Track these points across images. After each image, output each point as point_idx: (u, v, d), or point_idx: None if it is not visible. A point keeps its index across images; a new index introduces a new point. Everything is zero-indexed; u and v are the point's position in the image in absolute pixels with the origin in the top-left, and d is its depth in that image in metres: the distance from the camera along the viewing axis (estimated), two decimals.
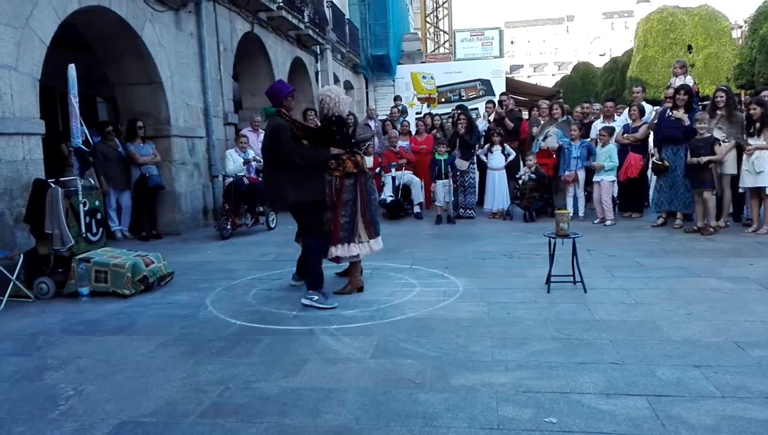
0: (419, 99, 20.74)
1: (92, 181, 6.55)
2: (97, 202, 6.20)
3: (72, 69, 5.89)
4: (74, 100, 5.89)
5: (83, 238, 5.88)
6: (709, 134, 7.58)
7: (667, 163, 8.09)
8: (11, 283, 5.38)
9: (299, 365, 3.72)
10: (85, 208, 5.93)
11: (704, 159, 7.40)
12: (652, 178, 9.14)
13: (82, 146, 6.00)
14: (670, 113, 8.20)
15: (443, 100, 21.34)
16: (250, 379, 3.55)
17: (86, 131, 6.07)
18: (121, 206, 8.97)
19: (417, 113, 14.19)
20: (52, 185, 5.77)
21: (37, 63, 6.48)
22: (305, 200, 5.14)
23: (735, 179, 7.78)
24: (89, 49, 8.91)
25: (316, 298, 5.01)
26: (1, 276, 5.33)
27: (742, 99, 10.61)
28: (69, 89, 5.87)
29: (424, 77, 21.21)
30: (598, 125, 9.51)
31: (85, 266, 5.61)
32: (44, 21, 6.58)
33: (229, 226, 8.74)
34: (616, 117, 9.72)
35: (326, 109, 5.25)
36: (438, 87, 21.57)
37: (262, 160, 9.67)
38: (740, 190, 7.76)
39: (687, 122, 7.94)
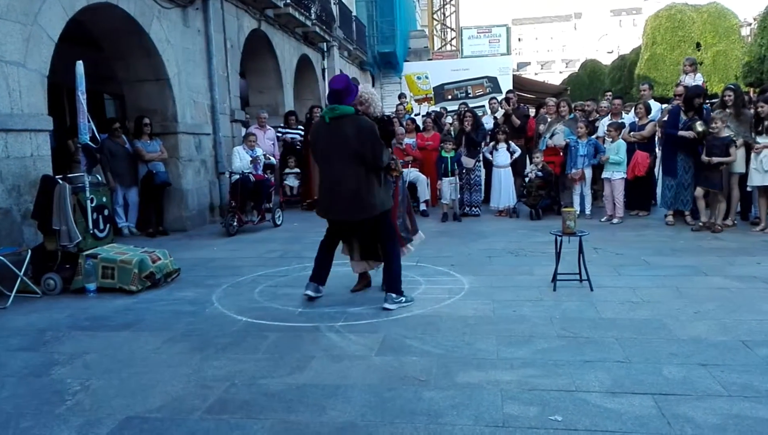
0: (416, 100, 20.72)
1: (99, 178, 6.57)
2: (104, 199, 6.23)
3: (80, 65, 5.91)
4: (82, 97, 5.90)
5: (90, 235, 5.91)
6: (726, 134, 7.51)
7: (705, 128, 7.67)
8: (19, 279, 5.40)
9: (305, 362, 3.73)
10: (93, 205, 5.95)
11: (715, 160, 7.35)
12: (659, 176, 9.10)
13: (89, 142, 6.02)
14: (689, 121, 7.98)
15: (449, 97, 21.32)
16: (255, 375, 3.56)
17: (93, 127, 6.09)
18: (128, 203, 9.00)
19: (416, 114, 14.15)
20: (60, 181, 5.79)
21: (46, 60, 6.51)
22: (388, 208, 4.94)
23: (743, 178, 7.73)
24: (97, 45, 8.94)
25: (404, 299, 4.91)
26: (9, 272, 5.36)
27: (751, 97, 10.52)
28: (76, 86, 5.89)
29: (418, 78, 21.20)
30: (605, 123, 9.46)
31: (92, 262, 5.64)
32: (52, 18, 6.60)
33: (235, 223, 8.75)
34: (623, 114, 9.67)
35: (373, 108, 5.01)
36: (443, 84, 21.53)
37: (272, 159, 9.75)
38: (748, 189, 7.72)
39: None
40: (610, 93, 13.45)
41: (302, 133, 11.79)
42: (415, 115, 14.15)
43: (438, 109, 13.44)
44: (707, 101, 9.71)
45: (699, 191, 7.73)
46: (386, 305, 4.81)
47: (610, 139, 8.78)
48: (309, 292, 5.09)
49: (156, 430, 2.94)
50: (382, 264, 5.09)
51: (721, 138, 7.47)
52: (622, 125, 9.09)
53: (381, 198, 4.83)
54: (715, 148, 7.43)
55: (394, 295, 4.87)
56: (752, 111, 7.80)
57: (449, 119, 11.90)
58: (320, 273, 5.15)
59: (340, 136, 4.73)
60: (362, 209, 4.78)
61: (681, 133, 7.86)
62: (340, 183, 4.78)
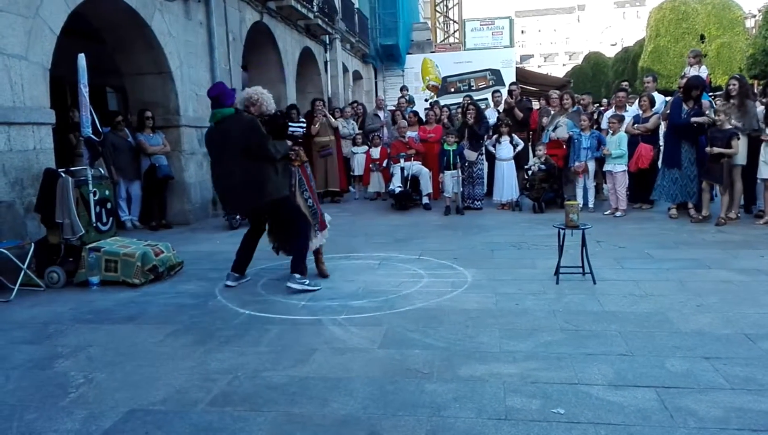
0: (428, 86, 20.67)
1: (102, 171, 6.58)
2: (107, 192, 6.23)
3: (82, 58, 5.90)
4: (84, 90, 5.90)
5: (93, 228, 5.91)
6: (729, 126, 7.48)
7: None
8: (22, 272, 5.42)
9: (308, 355, 3.74)
10: (96, 198, 5.96)
11: (716, 150, 7.33)
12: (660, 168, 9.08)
13: (92, 136, 6.02)
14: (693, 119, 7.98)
15: (452, 90, 21.25)
16: (258, 368, 3.56)
17: (96, 120, 6.09)
18: (131, 196, 9.01)
19: (425, 100, 14.10)
20: (63, 175, 5.80)
21: (48, 52, 6.50)
22: (284, 195, 5.27)
23: (745, 170, 7.70)
24: (99, 38, 8.93)
25: (307, 281, 5.23)
26: (12, 265, 5.37)
27: (755, 89, 10.48)
28: (79, 79, 5.89)
29: (437, 66, 21.27)
30: (609, 115, 9.43)
31: (95, 255, 5.64)
32: (54, 10, 6.59)
33: (238, 216, 8.75)
34: (627, 107, 9.64)
35: (266, 106, 5.41)
36: (446, 77, 21.47)
37: None
38: (759, 181, 7.68)
39: (710, 119, 7.77)
40: (626, 82, 13.38)
41: (304, 126, 11.75)
42: (425, 100, 14.11)
43: (441, 104, 13.36)
44: (711, 93, 9.67)
45: (705, 185, 7.72)
46: (289, 284, 5.17)
47: (611, 132, 8.76)
48: (228, 282, 5.47)
49: (159, 422, 2.95)
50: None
51: (724, 130, 7.44)
52: (623, 118, 9.06)
53: (276, 185, 5.16)
54: (717, 139, 7.40)
55: (297, 276, 5.18)
56: (758, 102, 7.77)
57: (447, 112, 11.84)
58: (240, 263, 5.54)
59: (226, 136, 5.15)
60: (254, 198, 5.14)
61: (694, 119, 7.83)
62: (229, 176, 5.19)
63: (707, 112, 7.90)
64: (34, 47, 6.28)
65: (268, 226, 5.71)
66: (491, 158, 10.15)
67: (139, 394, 3.25)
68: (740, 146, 7.56)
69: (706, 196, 7.76)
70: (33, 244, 5.65)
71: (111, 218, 6.24)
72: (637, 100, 9.60)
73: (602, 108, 11.37)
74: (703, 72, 9.64)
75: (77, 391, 3.33)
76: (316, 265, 5.80)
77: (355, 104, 13.65)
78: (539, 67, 78.87)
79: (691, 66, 9.69)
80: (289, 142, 5.41)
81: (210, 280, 5.76)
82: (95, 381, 3.46)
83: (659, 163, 8.66)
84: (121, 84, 9.94)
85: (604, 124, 9.47)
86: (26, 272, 5.46)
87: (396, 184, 10.09)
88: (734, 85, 7.81)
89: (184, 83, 9.30)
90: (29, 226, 6.06)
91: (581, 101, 10.67)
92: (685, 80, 8.71)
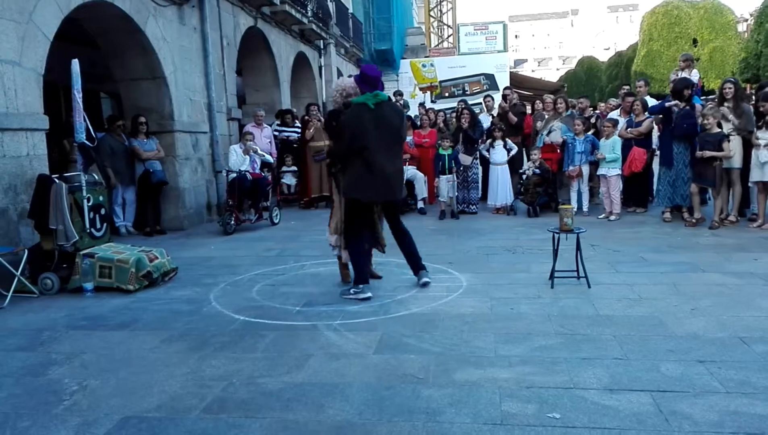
0: (421, 89, 20.64)
1: (96, 177, 6.56)
2: (101, 198, 6.22)
3: (75, 64, 5.89)
4: (78, 96, 5.89)
5: (87, 234, 5.90)
6: (718, 130, 7.52)
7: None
8: (16, 279, 5.39)
9: (303, 360, 3.73)
10: (89, 204, 5.94)
11: (707, 153, 7.36)
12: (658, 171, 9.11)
13: (85, 141, 6.01)
14: (674, 106, 8.10)
15: (446, 94, 21.26)
16: (253, 374, 3.55)
17: (89, 126, 6.07)
18: (126, 201, 8.99)
19: (420, 104, 14.10)
20: (56, 181, 5.77)
21: (41, 58, 6.49)
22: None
23: (741, 173, 7.73)
24: (93, 44, 8.91)
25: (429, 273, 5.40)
26: (6, 271, 5.35)
27: (747, 93, 10.53)
28: (72, 84, 5.87)
29: (423, 66, 21.08)
30: (612, 115, 9.52)
31: (89, 261, 5.62)
32: (48, 16, 6.58)
33: (232, 222, 8.74)
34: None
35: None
36: (441, 82, 21.47)
37: (266, 156, 9.72)
38: (750, 184, 7.72)
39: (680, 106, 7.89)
40: (627, 87, 13.42)
41: (299, 131, 11.78)
42: (420, 104, 14.13)
43: (436, 109, 13.36)
44: (703, 97, 9.72)
45: (694, 187, 7.75)
46: (425, 279, 5.33)
47: (605, 136, 8.79)
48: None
49: (153, 429, 2.93)
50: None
51: (713, 134, 7.47)
52: (617, 122, 9.11)
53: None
54: (708, 144, 7.42)
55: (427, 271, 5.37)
56: (752, 106, 7.81)
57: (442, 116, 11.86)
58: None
59: (383, 121, 4.96)
60: (400, 188, 5.25)
61: (669, 104, 7.95)
62: (394, 161, 5.10)
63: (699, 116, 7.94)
64: (27, 53, 6.27)
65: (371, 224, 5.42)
66: (486, 162, 10.17)
67: (134, 401, 3.23)
68: (737, 149, 7.59)
69: (696, 199, 7.80)
70: (26, 251, 5.63)
71: (105, 224, 6.23)
72: (630, 104, 9.63)
73: (597, 111, 11.38)
74: (694, 76, 9.69)
75: (71, 398, 3.31)
76: (340, 270, 5.66)
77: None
78: (533, 71, 79.05)
79: (682, 70, 9.73)
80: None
81: (204, 285, 5.74)
82: (89, 388, 3.44)
83: (655, 167, 8.70)
84: (116, 89, 9.93)
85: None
86: (20, 279, 5.43)
87: None
88: (729, 88, 7.85)
89: (179, 88, 9.29)
90: (23, 232, 6.03)
91: (579, 104, 10.71)
92: (672, 85, 8.77)
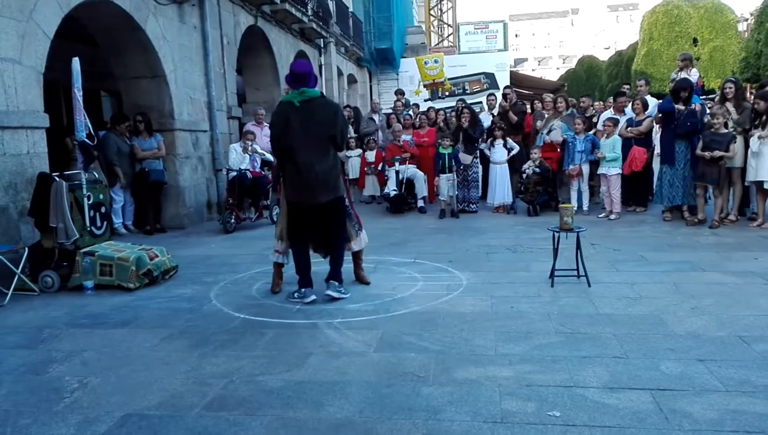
0: (425, 86, 20.61)
1: (96, 175, 6.56)
2: (101, 196, 6.22)
3: (76, 62, 5.89)
4: (78, 94, 5.88)
5: (88, 232, 5.90)
6: (727, 130, 7.50)
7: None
8: (16, 277, 5.39)
9: (303, 359, 3.73)
10: (90, 202, 5.94)
11: (717, 153, 7.33)
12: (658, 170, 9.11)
13: (86, 140, 6.00)
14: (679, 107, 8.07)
15: (447, 93, 21.23)
16: (254, 372, 3.56)
17: (89, 125, 6.07)
18: (126, 200, 8.98)
19: (414, 104, 14.09)
20: (57, 179, 5.78)
21: (41, 56, 6.49)
22: (342, 193, 5.08)
23: (743, 173, 7.74)
24: (93, 42, 8.91)
25: (343, 290, 5.09)
26: (6, 269, 5.35)
27: (748, 92, 10.55)
28: (73, 83, 5.87)
29: (426, 63, 21.03)
30: (605, 116, 9.47)
31: (89, 260, 5.63)
32: (48, 14, 6.58)
33: (232, 220, 8.75)
34: (625, 111, 9.68)
35: None
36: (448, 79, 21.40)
37: (267, 155, 9.71)
38: (746, 184, 7.72)
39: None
40: (627, 86, 13.43)
41: None
42: (425, 100, 14.10)
43: (437, 108, 13.34)
44: (703, 96, 9.72)
45: (700, 189, 7.74)
46: (329, 292, 4.99)
47: (605, 135, 8.79)
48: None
49: (154, 427, 2.94)
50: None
51: (722, 134, 7.43)
52: (618, 121, 9.10)
53: (340, 181, 5.06)
54: (716, 144, 7.39)
55: (337, 284, 5.07)
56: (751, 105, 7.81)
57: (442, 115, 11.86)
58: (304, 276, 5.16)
59: (309, 118, 4.84)
60: (328, 190, 4.90)
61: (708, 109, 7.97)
62: (321, 161, 4.86)
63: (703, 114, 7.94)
64: (27, 51, 6.26)
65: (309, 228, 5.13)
66: (486, 161, 10.18)
67: (134, 399, 3.24)
68: (738, 149, 7.59)
69: (701, 200, 7.79)
70: (27, 249, 5.62)
71: (105, 222, 6.22)
72: (630, 104, 9.64)
73: (597, 108, 11.39)
74: (693, 75, 9.68)
75: (72, 396, 3.31)
76: (354, 271, 5.57)
77: (348, 108, 13.66)
78: (533, 70, 78.99)
79: (681, 69, 9.73)
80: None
81: (205, 284, 5.75)
82: (90, 386, 3.44)
83: (655, 166, 8.70)
84: (116, 88, 9.93)
85: (600, 126, 9.50)
86: (20, 277, 5.43)
87: (391, 188, 10.10)
88: (731, 88, 7.85)
89: (179, 87, 9.29)
90: (23, 230, 6.04)
91: (581, 103, 10.71)
92: (673, 84, 8.77)
